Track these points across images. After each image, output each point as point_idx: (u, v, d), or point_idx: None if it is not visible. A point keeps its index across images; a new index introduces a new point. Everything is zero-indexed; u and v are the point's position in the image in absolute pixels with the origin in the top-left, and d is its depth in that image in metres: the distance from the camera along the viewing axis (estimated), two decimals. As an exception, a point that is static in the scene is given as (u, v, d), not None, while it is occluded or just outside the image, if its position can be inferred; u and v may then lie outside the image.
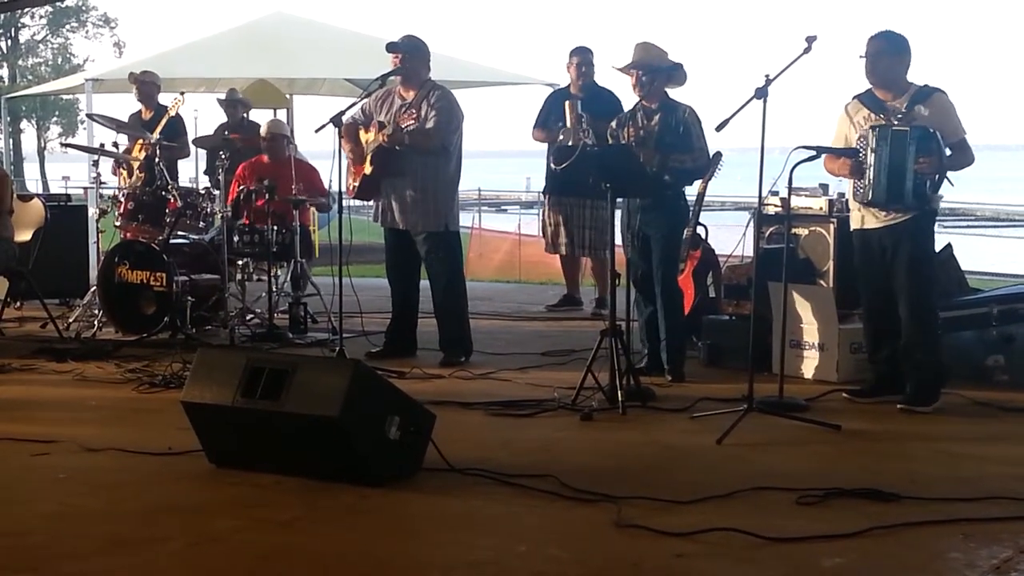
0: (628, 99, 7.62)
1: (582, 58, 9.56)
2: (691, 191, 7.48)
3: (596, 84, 9.52)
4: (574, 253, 9.90)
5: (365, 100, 7.84)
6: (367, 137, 7.69)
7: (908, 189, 6.16)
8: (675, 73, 7.09)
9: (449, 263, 7.79)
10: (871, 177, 6.26)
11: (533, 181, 43.30)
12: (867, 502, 4.56)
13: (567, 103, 8.85)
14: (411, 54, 7.63)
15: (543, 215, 10.10)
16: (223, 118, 11.27)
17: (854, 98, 6.42)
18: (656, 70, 7.00)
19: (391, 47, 7.65)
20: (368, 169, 7.64)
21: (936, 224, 6.52)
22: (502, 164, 68.14)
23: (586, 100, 9.17)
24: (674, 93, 7.17)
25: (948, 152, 6.15)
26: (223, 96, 11.55)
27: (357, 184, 7.74)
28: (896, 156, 6.15)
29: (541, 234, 10.20)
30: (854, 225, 6.53)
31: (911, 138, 6.09)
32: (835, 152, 6.34)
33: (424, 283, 8.04)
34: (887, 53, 6.25)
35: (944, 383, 6.33)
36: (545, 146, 9.60)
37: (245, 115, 11.25)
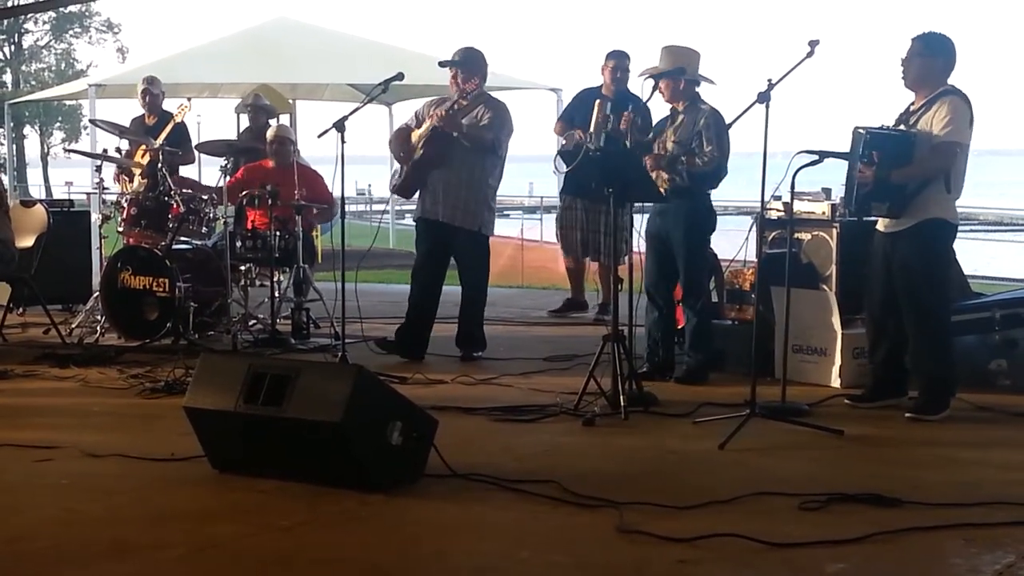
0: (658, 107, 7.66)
1: (618, 62, 9.54)
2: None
3: (628, 91, 9.48)
4: (586, 256, 9.89)
5: (419, 108, 7.95)
6: (418, 133, 7.78)
7: (854, 194, 6.15)
8: (688, 76, 7.08)
9: (482, 263, 8.02)
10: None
11: (536, 186, 43.30)
12: (869, 507, 4.55)
13: (597, 101, 8.86)
14: (465, 69, 7.79)
15: (558, 217, 10.09)
16: (225, 123, 11.33)
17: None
18: (664, 74, 7.01)
19: (445, 64, 7.87)
20: (419, 153, 7.74)
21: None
22: (505, 169, 68.04)
23: (615, 103, 9.18)
24: (711, 94, 7.21)
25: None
26: (244, 100, 11.51)
27: (403, 176, 7.82)
28: (851, 159, 6.15)
29: (556, 237, 10.19)
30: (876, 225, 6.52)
31: (862, 140, 6.06)
32: (838, 156, 6.33)
33: (446, 287, 8.09)
34: (919, 55, 6.19)
35: (953, 392, 6.32)
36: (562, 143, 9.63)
37: (270, 122, 11.24)
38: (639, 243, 7.34)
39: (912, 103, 6.28)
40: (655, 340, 7.32)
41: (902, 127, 6.20)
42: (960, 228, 6.51)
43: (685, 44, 7.24)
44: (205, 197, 8.95)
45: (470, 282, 8.00)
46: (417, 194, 8.00)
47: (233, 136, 11.04)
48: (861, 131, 6.15)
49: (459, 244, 7.88)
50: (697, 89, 7.17)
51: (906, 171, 6.10)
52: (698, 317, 7.22)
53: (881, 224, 6.38)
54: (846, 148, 6.37)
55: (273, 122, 10.96)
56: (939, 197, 6.16)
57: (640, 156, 6.92)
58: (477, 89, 7.81)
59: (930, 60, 6.20)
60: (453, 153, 7.73)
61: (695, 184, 7.08)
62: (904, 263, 6.21)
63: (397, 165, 8.07)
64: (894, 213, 6.14)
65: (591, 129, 8.92)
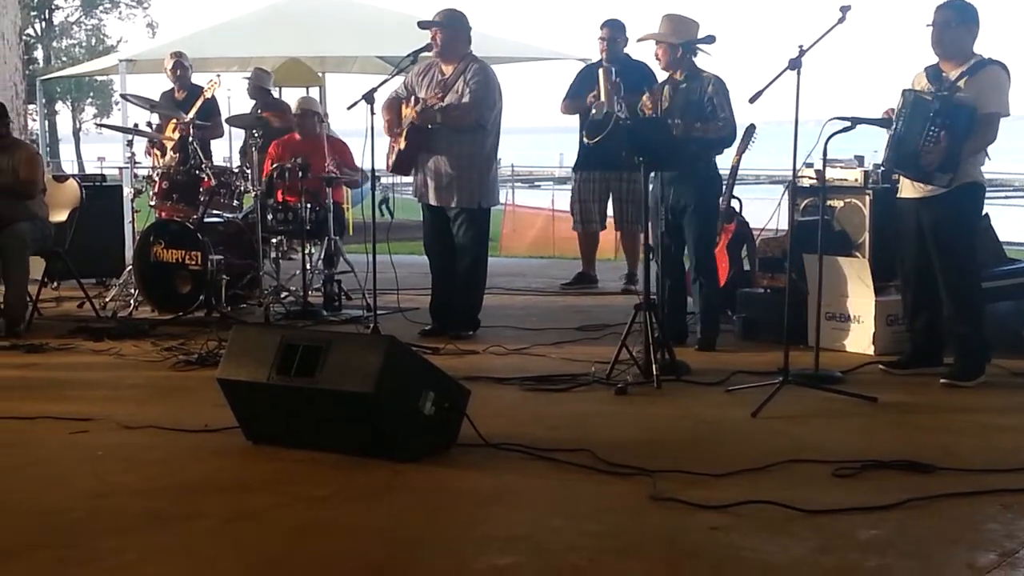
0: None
1: (611, 31, 9.45)
2: (724, 163, 7.44)
3: (629, 57, 9.43)
4: (602, 229, 9.86)
5: (406, 75, 7.80)
6: (407, 112, 7.68)
7: (913, 159, 6.08)
8: (695, 45, 7.03)
9: (477, 240, 7.76)
10: (889, 141, 6.23)
11: (566, 157, 43.17)
12: (904, 474, 4.54)
13: (601, 70, 8.79)
14: (446, 29, 7.58)
15: (574, 190, 10.03)
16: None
17: (924, 69, 6.29)
18: (677, 44, 6.97)
19: (424, 24, 7.63)
20: (402, 145, 7.64)
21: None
22: (535, 140, 68.01)
23: (618, 72, 9.11)
24: (707, 63, 7.15)
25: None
26: (248, 74, 11.53)
27: (394, 158, 7.74)
28: (912, 122, 6.07)
29: (570, 210, 10.14)
30: (899, 193, 6.47)
31: (932, 109, 5.98)
32: (870, 123, 6.27)
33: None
34: (955, 23, 6.11)
35: (988, 358, 6.28)
36: (576, 120, 9.55)
37: (272, 91, 11.21)
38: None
39: (940, 69, 6.20)
40: (672, 309, 7.26)
41: (945, 94, 6.10)
42: (995, 194, 6.47)
43: (695, 12, 7.19)
44: (236, 170, 8.97)
45: (469, 263, 7.75)
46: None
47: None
48: (926, 97, 6.06)
49: (457, 223, 7.70)
50: (694, 58, 7.12)
51: (972, 144, 6.05)
52: (707, 290, 7.24)
53: (910, 191, 6.32)
54: (878, 114, 6.32)
55: (301, 93, 10.96)
56: (975, 160, 6.14)
57: (668, 124, 6.86)
58: (438, 43, 7.58)
59: (964, 29, 6.14)
60: (437, 138, 7.58)
61: (707, 152, 7.04)
62: (940, 228, 6.16)
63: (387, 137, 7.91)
64: (950, 182, 6.07)
65: (602, 98, 8.88)
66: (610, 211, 9.83)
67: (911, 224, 6.32)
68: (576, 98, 9.49)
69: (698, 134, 6.94)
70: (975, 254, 6.38)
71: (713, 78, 7.03)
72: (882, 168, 7.32)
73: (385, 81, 7.73)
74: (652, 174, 6.86)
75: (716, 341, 7.23)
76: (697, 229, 7.13)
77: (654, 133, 6.67)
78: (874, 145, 6.99)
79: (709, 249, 7.31)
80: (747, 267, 8.10)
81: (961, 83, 6.07)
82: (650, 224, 6.82)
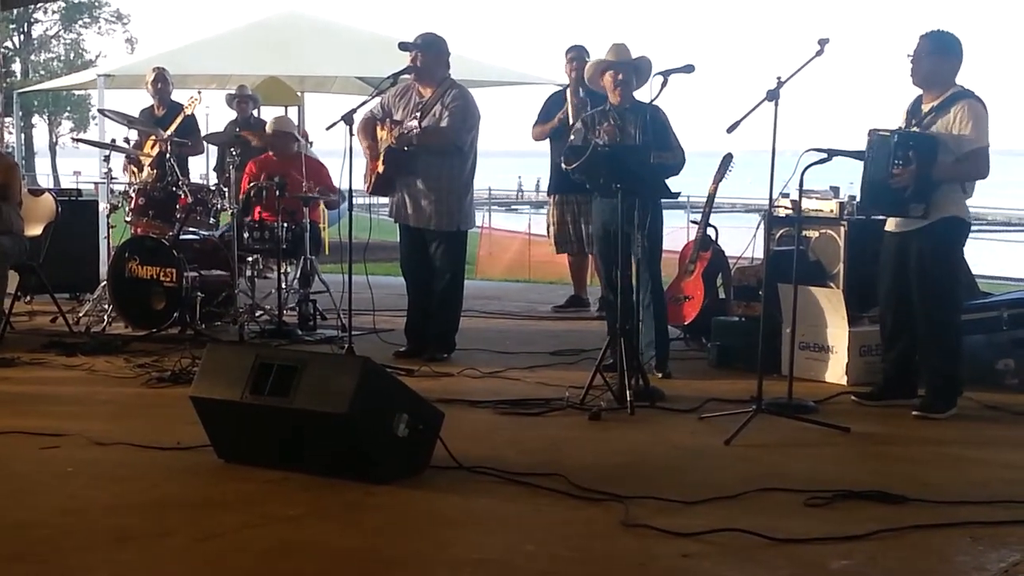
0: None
1: (575, 55, 9.45)
2: (701, 192, 7.46)
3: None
4: (584, 252, 9.86)
5: (383, 96, 7.81)
6: (382, 134, 7.69)
7: (885, 194, 6.12)
8: (645, 75, 7.06)
9: (454, 262, 7.80)
10: (862, 185, 6.29)
11: (544, 181, 43.31)
12: (875, 504, 4.55)
13: (568, 90, 8.80)
14: (426, 52, 7.60)
15: (549, 214, 10.04)
16: (232, 114, 11.28)
17: (912, 101, 6.33)
18: (637, 68, 6.99)
19: (404, 46, 7.65)
20: (380, 168, 7.66)
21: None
22: (513, 164, 68.15)
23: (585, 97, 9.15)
24: (677, 93, 7.17)
25: (957, 159, 6.07)
26: (232, 91, 11.56)
27: (372, 181, 7.75)
28: (877, 162, 6.12)
29: (547, 234, 10.15)
30: (885, 227, 6.49)
31: (892, 144, 6.02)
32: (846, 155, 6.32)
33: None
34: (931, 53, 6.16)
35: (960, 391, 6.31)
36: (547, 144, 9.59)
37: (254, 112, 11.25)
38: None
39: (921, 102, 6.26)
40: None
41: (915, 129, 6.16)
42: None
43: (674, 42, 7.33)
44: (213, 187, 8.97)
45: (445, 285, 7.78)
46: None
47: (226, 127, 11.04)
48: (884, 133, 6.10)
49: (434, 245, 7.74)
50: None
51: (946, 171, 6.08)
52: (661, 311, 7.26)
53: (893, 224, 6.36)
54: (856, 147, 6.36)
55: (280, 112, 10.98)
56: (955, 196, 6.16)
57: (647, 152, 6.86)
58: (417, 65, 7.60)
59: (940, 59, 6.19)
60: (414, 162, 7.60)
61: (662, 179, 7.01)
62: (920, 260, 6.19)
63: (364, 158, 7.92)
64: (927, 213, 6.11)
65: (570, 116, 8.89)
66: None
67: (892, 255, 6.35)
68: (545, 123, 9.53)
69: (658, 161, 6.91)
70: (956, 288, 6.39)
71: (658, 108, 6.96)
72: (858, 207, 7.35)
73: (365, 102, 7.77)
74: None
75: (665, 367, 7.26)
76: (648, 258, 7.07)
77: (633, 160, 6.67)
78: (850, 177, 7.04)
79: (659, 276, 7.30)
80: (722, 295, 8.13)
81: (930, 117, 6.12)
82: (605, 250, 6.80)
